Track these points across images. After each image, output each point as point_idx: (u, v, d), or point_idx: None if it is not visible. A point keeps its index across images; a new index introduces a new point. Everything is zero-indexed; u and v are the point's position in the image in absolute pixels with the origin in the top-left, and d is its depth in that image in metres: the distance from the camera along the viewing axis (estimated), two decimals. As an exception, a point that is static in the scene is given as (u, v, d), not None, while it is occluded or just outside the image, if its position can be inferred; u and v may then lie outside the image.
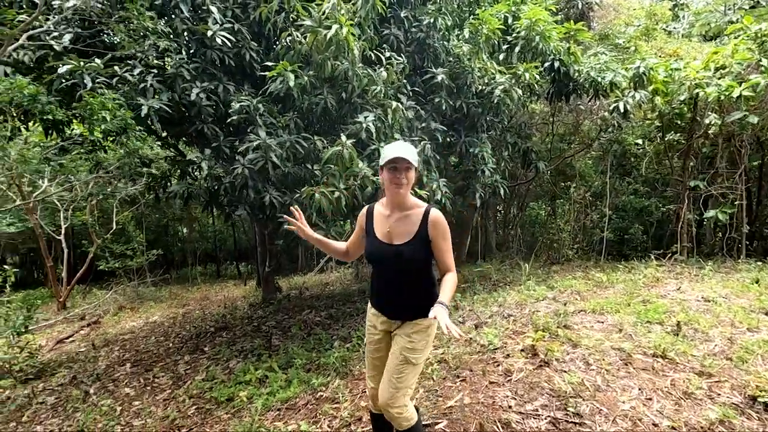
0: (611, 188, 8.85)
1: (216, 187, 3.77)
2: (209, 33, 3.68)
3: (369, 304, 2.15)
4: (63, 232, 9.93)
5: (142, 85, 3.50)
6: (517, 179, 9.86)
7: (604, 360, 2.83)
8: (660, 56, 7.18)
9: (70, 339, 7.08)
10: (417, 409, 2.02)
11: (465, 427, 2.31)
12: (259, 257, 8.14)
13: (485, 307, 4.43)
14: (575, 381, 2.57)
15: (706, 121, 6.26)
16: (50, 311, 9.59)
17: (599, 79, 5.98)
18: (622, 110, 5.79)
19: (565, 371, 2.71)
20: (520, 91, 5.07)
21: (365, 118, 4.06)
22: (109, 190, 6.59)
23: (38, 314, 8.66)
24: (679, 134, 7.42)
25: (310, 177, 3.93)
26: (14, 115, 4.15)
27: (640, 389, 2.50)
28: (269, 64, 3.72)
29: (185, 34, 3.82)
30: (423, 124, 4.89)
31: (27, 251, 13.92)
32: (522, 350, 3.02)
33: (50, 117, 3.80)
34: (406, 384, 1.88)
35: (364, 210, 2.09)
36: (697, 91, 6.09)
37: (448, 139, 5.82)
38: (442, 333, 1.76)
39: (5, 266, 8.29)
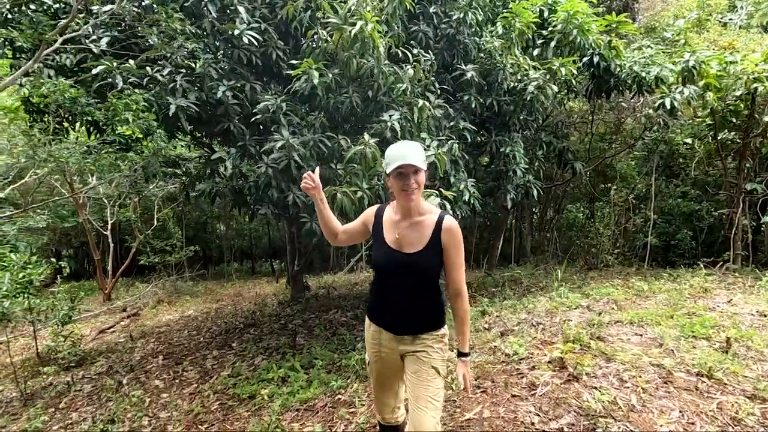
0: (657, 191, 8.31)
1: (241, 186, 3.81)
2: (236, 32, 3.72)
3: (367, 320, 1.99)
4: (109, 227, 10.50)
5: (171, 84, 3.60)
6: (554, 180, 9.47)
7: (640, 377, 2.60)
8: (713, 49, 6.65)
9: (111, 330, 7.44)
10: None
11: (483, 442, 2.18)
12: (288, 255, 8.24)
13: (513, 314, 4.23)
14: (607, 399, 2.37)
15: (766, 118, 5.73)
16: (96, 302, 10.15)
17: (643, 74, 5.59)
18: (668, 107, 5.39)
19: (595, 387, 2.51)
20: (555, 87, 4.82)
21: (390, 116, 3.98)
22: (146, 189, 6.86)
23: (83, 305, 9.19)
24: (733, 133, 6.84)
25: (335, 177, 3.89)
26: (62, 116, 4.38)
27: (680, 411, 2.27)
28: (294, 62, 3.72)
29: (213, 34, 3.89)
30: (451, 123, 4.75)
31: (80, 245, 14.77)
32: (549, 362, 2.83)
33: (89, 118, 3.98)
34: (442, 401, 1.77)
35: (374, 210, 1.95)
36: (755, 85, 5.58)
37: (479, 139, 5.65)
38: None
39: (54, 258, 8.83)
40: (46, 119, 4.49)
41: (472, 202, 4.71)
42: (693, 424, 2.17)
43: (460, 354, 1.79)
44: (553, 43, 5.30)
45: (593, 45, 5.50)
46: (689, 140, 7.55)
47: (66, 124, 4.65)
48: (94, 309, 9.16)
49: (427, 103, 4.17)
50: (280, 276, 13.00)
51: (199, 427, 3.45)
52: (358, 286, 8.86)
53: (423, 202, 1.79)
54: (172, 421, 3.61)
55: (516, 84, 4.99)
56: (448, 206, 3.83)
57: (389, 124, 3.91)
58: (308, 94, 3.91)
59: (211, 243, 16.94)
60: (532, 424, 2.24)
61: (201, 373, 4.64)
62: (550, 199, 11.20)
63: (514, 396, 2.51)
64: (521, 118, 5.46)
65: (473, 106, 4.88)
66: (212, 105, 3.85)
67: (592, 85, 6.11)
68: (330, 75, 3.91)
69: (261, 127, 4.09)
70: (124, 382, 4.61)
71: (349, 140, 3.95)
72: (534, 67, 5.01)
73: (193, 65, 3.81)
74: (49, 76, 3.91)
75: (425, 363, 1.75)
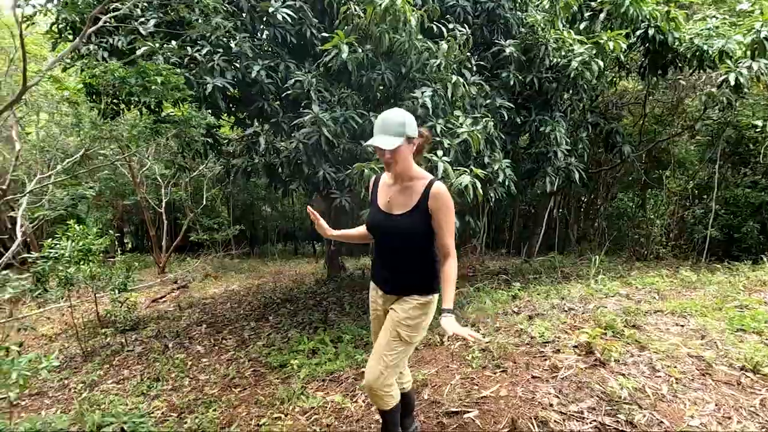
0: (721, 179, 7.62)
1: (274, 162, 3.91)
2: (271, 10, 3.78)
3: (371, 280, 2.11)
4: (164, 205, 11.21)
5: (209, 64, 3.73)
6: (602, 165, 8.94)
7: (675, 367, 2.43)
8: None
9: (163, 299, 8.00)
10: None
11: (496, 419, 2.14)
12: (326, 236, 8.41)
13: (545, 299, 4.09)
14: (633, 386, 2.25)
15: None
16: (152, 275, 10.93)
17: (705, 48, 5.08)
18: (732, 83, 4.88)
19: (623, 374, 2.38)
20: (601, 63, 4.51)
21: (422, 93, 3.91)
22: (186, 161, 7.17)
23: (140, 277, 9.93)
24: (813, 114, 6.11)
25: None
26: (117, 97, 4.67)
27: (717, 405, 2.11)
28: (326, 35, 3.72)
29: (249, 12, 3.97)
30: (488, 101, 4.59)
31: (139, 222, 15.91)
32: (575, 346, 2.72)
33: (137, 98, 4.21)
34: (397, 362, 1.79)
35: (372, 179, 2.04)
36: (841, 58, 4.91)
37: (518, 119, 5.43)
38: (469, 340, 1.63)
39: (113, 232, 9.55)
40: (105, 100, 4.82)
41: (507, 184, 4.57)
42: (729, 418, 2.02)
43: (442, 311, 1.73)
44: (602, 16, 4.94)
45: (648, 17, 5.06)
46: (759, 122, 6.81)
47: (123, 106, 4.97)
48: (149, 280, 9.88)
49: (462, 80, 4.05)
50: (321, 257, 13.34)
51: (233, 390, 3.65)
52: (394, 269, 8.92)
53: (415, 168, 1.82)
54: (209, 383, 3.85)
55: (559, 60, 4.72)
56: (479, 186, 3.73)
57: (420, 101, 3.85)
58: (340, 71, 3.92)
59: (257, 224, 17.63)
60: (550, 405, 2.17)
61: (239, 341, 4.89)
62: (600, 185, 10.63)
63: (534, 377, 2.44)
64: (566, 97, 5.18)
65: (512, 83, 4.68)
66: (248, 84, 3.96)
67: (646, 61, 5.65)
68: (362, 51, 3.89)
69: (294, 104, 4.16)
70: (170, 346, 4.96)
71: (380, 118, 3.93)
72: (579, 42, 4.71)
73: (231, 45, 3.92)
74: (103, 58, 4.18)
75: (390, 320, 1.83)
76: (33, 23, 4.80)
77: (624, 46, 4.63)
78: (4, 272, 5.04)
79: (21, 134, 9.26)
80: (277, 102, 4.07)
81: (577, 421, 2.05)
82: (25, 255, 5.10)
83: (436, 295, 1.87)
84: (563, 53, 4.73)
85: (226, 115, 5.39)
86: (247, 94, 4.04)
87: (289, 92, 3.73)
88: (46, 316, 6.98)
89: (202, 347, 4.85)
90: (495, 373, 2.55)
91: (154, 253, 11.31)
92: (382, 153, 1.72)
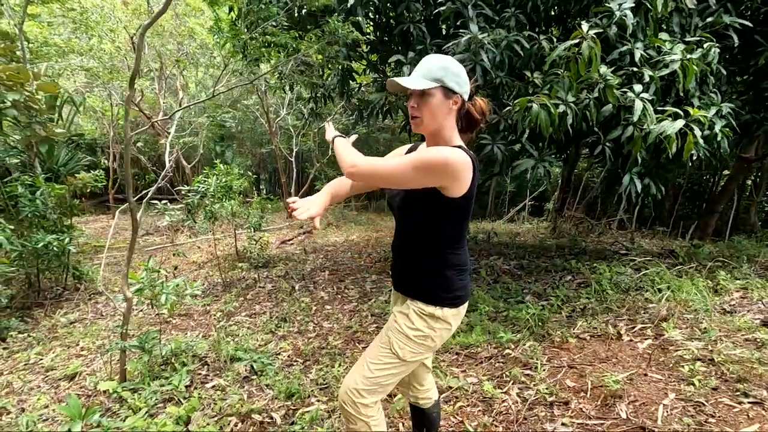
0: None
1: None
2: None
3: None
4: (294, 154, 11.76)
5: (351, -22, 3.24)
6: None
7: None
8: None
9: (290, 242, 8.38)
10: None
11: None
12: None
13: (773, 299, 2.93)
14: None
15: None
16: (281, 218, 11.72)
17: None
18: None
19: None
20: None
21: (619, 5, 2.89)
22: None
23: (272, 218, 10.67)
24: None
25: (528, 88, 3.09)
26: (262, 43, 4.55)
27: None
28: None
29: None
30: (709, 18, 3.30)
31: (272, 170, 17.31)
32: None
33: (273, 40, 3.98)
34: (379, 379, 1.41)
35: (409, 147, 1.65)
36: None
37: (739, 55, 3.94)
38: None
39: (251, 174, 10.33)
40: (248, 51, 4.73)
41: (719, 139, 3.32)
42: None
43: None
44: None
45: None
46: None
47: (263, 50, 4.87)
48: (278, 223, 10.56)
49: (680, -16, 2.90)
50: (438, 217, 12.86)
51: (357, 344, 3.41)
52: (521, 237, 7.97)
53: (451, 137, 1.36)
54: (333, 332, 3.69)
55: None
56: (698, 132, 2.68)
57: (617, 15, 2.85)
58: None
59: (377, 178, 17.94)
60: None
61: (360, 293, 4.70)
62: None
63: (821, 424, 1.56)
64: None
65: (750, -8, 3.29)
66: (392, 3, 3.38)
67: None
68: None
69: (443, 29, 3.48)
70: (296, 288, 5.00)
71: (554, 41, 3.04)
72: None
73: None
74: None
75: (386, 327, 1.49)
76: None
77: None
78: (164, 202, 5.61)
79: (183, 86, 10.38)
80: (424, 25, 3.43)
81: None
82: (179, 188, 5.56)
83: (448, 311, 1.42)
84: None
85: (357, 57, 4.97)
86: (389, 20, 3.48)
87: (442, 9, 3.05)
88: (197, 245, 7.81)
89: (326, 294, 4.78)
90: (740, 403, 1.72)
91: (284, 198, 12.07)
92: (409, 99, 1.35)
